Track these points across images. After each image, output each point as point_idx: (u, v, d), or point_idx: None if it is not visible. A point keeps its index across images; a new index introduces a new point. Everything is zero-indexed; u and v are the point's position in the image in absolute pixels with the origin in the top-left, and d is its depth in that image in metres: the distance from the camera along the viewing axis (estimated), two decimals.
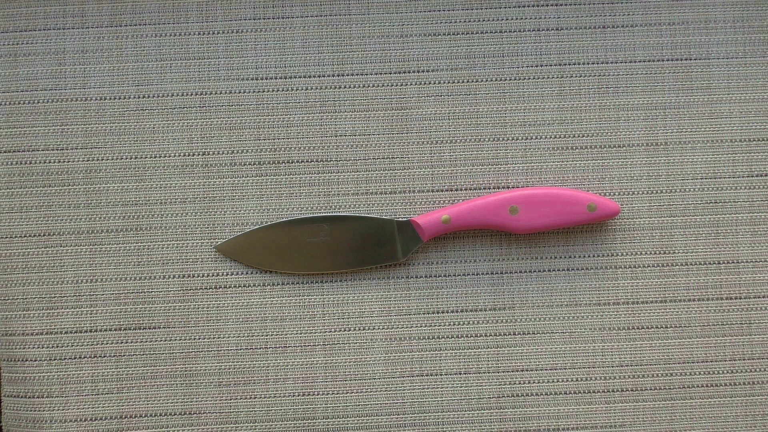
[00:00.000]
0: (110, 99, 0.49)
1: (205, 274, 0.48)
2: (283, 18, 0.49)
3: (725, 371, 0.48)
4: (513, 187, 0.49)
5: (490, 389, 0.48)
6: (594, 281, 0.49)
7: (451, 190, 0.49)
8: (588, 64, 0.49)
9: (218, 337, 0.48)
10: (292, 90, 0.49)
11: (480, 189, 0.49)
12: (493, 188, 0.49)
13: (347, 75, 0.49)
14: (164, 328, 0.48)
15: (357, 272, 0.49)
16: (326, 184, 0.49)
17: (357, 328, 0.48)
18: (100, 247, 0.48)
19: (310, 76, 0.49)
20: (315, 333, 0.48)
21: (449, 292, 0.49)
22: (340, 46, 0.49)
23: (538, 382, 0.48)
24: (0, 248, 0.48)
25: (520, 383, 0.48)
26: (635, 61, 0.49)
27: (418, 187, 0.49)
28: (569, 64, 0.49)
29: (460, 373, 0.48)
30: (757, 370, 0.48)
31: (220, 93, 0.49)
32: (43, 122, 0.49)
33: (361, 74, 0.49)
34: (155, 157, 0.49)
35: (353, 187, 0.49)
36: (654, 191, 0.49)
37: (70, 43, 0.49)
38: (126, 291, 0.48)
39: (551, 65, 0.49)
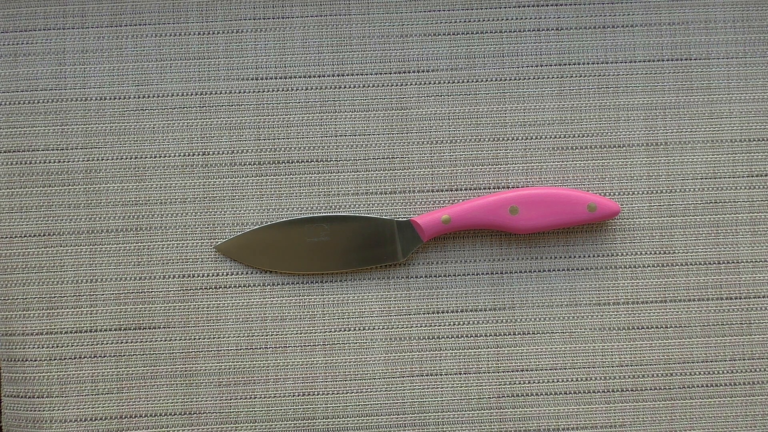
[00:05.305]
0: (110, 99, 0.49)
1: (205, 274, 0.48)
2: (283, 18, 0.49)
3: (725, 371, 0.48)
4: (513, 187, 0.49)
5: (490, 389, 0.48)
6: (594, 281, 0.49)
7: (451, 190, 0.49)
8: (588, 64, 0.49)
9: (218, 337, 0.48)
10: (292, 90, 0.49)
11: (480, 189, 0.49)
12: (493, 188, 0.49)
13: (347, 75, 0.49)
14: (164, 328, 0.48)
15: (357, 272, 0.49)
16: (326, 184, 0.49)
17: (357, 328, 0.48)
18: (100, 247, 0.48)
19: (310, 76, 0.49)
20: (315, 333, 0.48)
21: (449, 292, 0.49)
22: (340, 46, 0.49)
23: (538, 382, 0.48)
24: (0, 248, 0.48)
25: (520, 383, 0.48)
26: (635, 61, 0.49)
27: (418, 187, 0.49)
28: (569, 64, 0.49)
29: (460, 373, 0.48)
30: (757, 370, 0.48)
31: (220, 93, 0.49)
32: (43, 122, 0.49)
33: (361, 74, 0.49)
34: (155, 157, 0.49)
35: (353, 187, 0.49)
36: (654, 191, 0.49)
37: (70, 43, 0.49)
38: (126, 291, 0.48)
39: (551, 65, 0.49)
